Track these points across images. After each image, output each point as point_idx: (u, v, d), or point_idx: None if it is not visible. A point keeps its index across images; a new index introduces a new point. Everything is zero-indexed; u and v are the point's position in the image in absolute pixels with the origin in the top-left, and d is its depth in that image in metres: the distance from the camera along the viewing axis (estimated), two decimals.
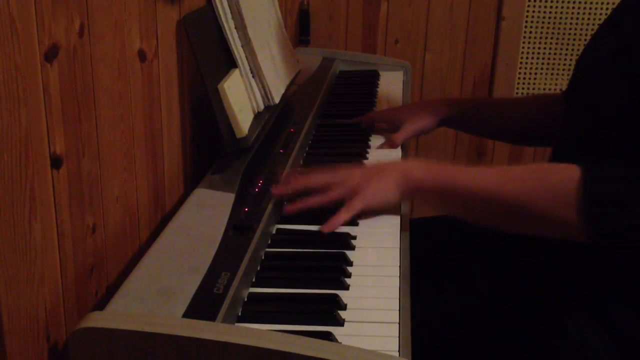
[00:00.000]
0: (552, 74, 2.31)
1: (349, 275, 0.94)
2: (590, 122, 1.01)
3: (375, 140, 1.41)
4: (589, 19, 2.23)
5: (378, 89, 1.78)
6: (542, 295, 1.04)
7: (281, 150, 1.27)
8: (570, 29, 2.25)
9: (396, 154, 1.34)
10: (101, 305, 0.91)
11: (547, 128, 1.26)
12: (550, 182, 0.92)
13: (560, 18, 2.24)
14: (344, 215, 1.02)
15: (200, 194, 1.08)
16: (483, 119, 1.40)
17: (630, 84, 0.92)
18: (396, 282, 0.92)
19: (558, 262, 1.03)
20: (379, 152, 1.35)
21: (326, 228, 1.01)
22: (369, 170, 1.07)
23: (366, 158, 1.32)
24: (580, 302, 0.99)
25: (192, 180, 1.30)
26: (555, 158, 1.14)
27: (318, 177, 1.08)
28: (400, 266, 0.96)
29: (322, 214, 1.07)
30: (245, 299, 0.89)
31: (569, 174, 0.90)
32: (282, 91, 1.43)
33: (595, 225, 0.88)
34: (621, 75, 0.95)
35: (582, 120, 1.04)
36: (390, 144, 1.37)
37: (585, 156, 1.01)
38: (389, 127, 1.44)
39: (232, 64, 1.27)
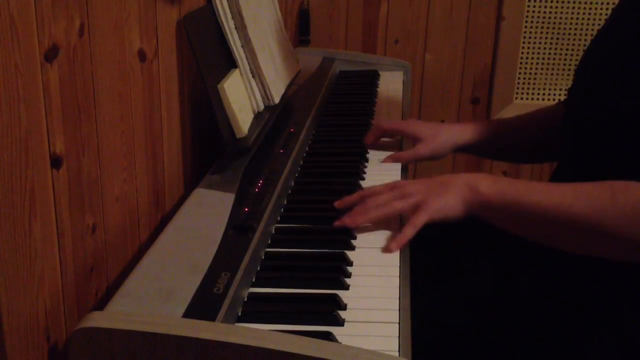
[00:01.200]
0: (552, 74, 2.31)
1: (349, 275, 0.94)
2: (592, 130, 1.01)
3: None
4: (589, 19, 2.23)
5: (378, 89, 1.78)
6: (545, 298, 1.03)
7: (281, 150, 1.27)
8: (570, 29, 2.25)
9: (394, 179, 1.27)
10: (101, 305, 0.91)
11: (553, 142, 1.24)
12: (623, 200, 0.89)
13: (560, 18, 2.24)
14: (409, 231, 0.99)
15: (200, 194, 1.08)
16: (501, 141, 1.33)
17: (632, 89, 0.92)
18: (396, 282, 0.92)
19: (565, 269, 1.02)
20: (378, 153, 1.34)
21: (393, 247, 0.98)
22: (433, 183, 1.03)
23: (366, 159, 1.32)
24: (590, 311, 0.99)
25: (192, 180, 1.30)
26: (559, 170, 1.14)
27: (380, 190, 1.05)
28: (400, 266, 0.96)
29: (322, 215, 1.07)
30: (245, 299, 0.89)
31: (638, 192, 0.88)
32: (282, 91, 1.43)
33: None
34: (624, 80, 0.95)
35: (584, 128, 1.03)
36: (397, 159, 1.31)
37: (586, 167, 1.01)
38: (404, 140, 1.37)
39: (232, 64, 1.27)
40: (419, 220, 0.99)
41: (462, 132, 1.30)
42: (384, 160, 1.30)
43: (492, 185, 0.98)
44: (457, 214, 1.00)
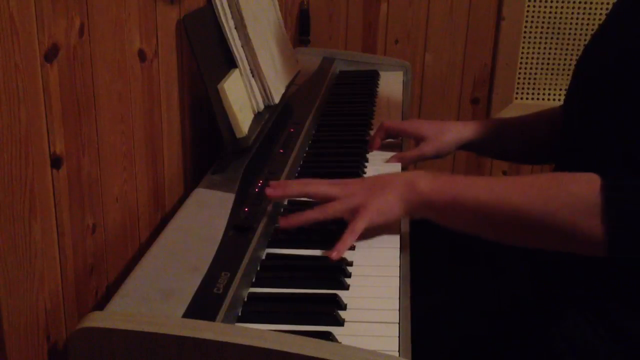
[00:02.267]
0: (552, 74, 2.31)
1: (349, 275, 0.94)
2: (588, 132, 1.01)
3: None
4: (589, 19, 2.23)
5: (378, 89, 1.78)
6: (542, 295, 1.03)
7: (281, 150, 1.27)
8: (570, 29, 2.25)
9: (394, 166, 1.29)
10: (101, 305, 0.91)
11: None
12: (569, 191, 0.87)
13: (560, 18, 2.24)
14: (349, 238, 0.95)
15: (200, 194, 1.08)
16: (504, 140, 1.31)
17: (629, 92, 0.92)
18: (396, 282, 0.92)
19: (558, 262, 1.03)
20: (379, 153, 1.34)
21: (334, 255, 0.94)
22: (370, 184, 1.00)
23: (366, 159, 1.32)
24: (580, 301, 0.99)
25: (192, 180, 1.30)
26: (557, 169, 1.14)
27: (316, 188, 1.02)
28: (400, 266, 0.96)
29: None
30: (245, 299, 0.89)
31: (589, 183, 0.86)
32: (282, 91, 1.44)
33: (617, 238, 0.84)
34: (620, 83, 0.95)
35: (580, 129, 1.03)
36: (401, 159, 1.29)
37: (586, 166, 1.00)
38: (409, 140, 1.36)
39: (232, 64, 1.27)
40: (358, 226, 0.96)
41: (465, 130, 1.29)
42: (389, 160, 1.30)
43: (432, 182, 0.96)
44: (398, 215, 0.98)
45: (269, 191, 1.03)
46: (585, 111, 1.03)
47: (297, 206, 1.15)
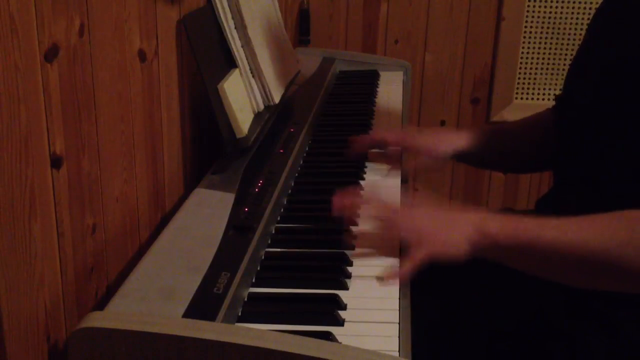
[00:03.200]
0: (552, 74, 2.31)
1: (349, 275, 0.94)
2: (585, 138, 1.01)
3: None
4: (589, 19, 2.22)
5: (378, 89, 1.78)
6: (544, 298, 1.03)
7: (281, 150, 1.27)
8: (570, 29, 2.25)
9: (395, 181, 1.26)
10: (101, 305, 0.91)
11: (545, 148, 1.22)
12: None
13: (560, 18, 2.24)
14: (409, 266, 0.92)
15: (200, 194, 1.08)
16: (498, 148, 1.29)
17: (624, 95, 0.92)
18: (396, 282, 0.92)
19: None
20: (378, 164, 1.33)
21: (390, 277, 0.93)
22: (440, 217, 0.98)
23: (366, 158, 1.32)
24: (582, 307, 0.99)
25: (192, 180, 1.30)
26: (556, 176, 1.13)
27: (387, 211, 1.01)
28: (400, 266, 0.95)
29: (322, 215, 1.07)
30: (245, 299, 0.89)
31: None
32: (282, 91, 1.43)
33: None
34: (620, 95, 0.94)
35: (576, 133, 1.03)
36: (398, 165, 1.28)
37: (584, 173, 1.00)
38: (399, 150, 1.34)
39: (232, 64, 1.27)
40: (419, 256, 0.93)
41: (459, 140, 1.28)
42: (388, 162, 1.29)
43: (502, 225, 0.92)
44: (461, 255, 0.93)
45: (336, 208, 1.02)
46: (581, 118, 1.03)
47: (298, 204, 1.15)
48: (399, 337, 0.81)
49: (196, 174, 1.32)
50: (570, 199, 1.05)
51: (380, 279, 0.93)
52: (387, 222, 0.99)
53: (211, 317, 0.77)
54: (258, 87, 1.33)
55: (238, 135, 1.20)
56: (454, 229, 0.94)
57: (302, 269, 0.96)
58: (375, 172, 1.27)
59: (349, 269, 0.95)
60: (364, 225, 1.01)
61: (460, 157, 1.29)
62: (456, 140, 1.28)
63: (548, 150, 1.16)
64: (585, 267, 0.89)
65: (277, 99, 1.38)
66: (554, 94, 1.34)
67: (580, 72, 1.09)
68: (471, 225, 0.93)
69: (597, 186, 0.97)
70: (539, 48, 2.28)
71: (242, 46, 1.30)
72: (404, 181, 1.25)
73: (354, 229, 1.03)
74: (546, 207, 1.15)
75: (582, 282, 0.92)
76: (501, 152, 1.30)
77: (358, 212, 1.06)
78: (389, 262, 0.96)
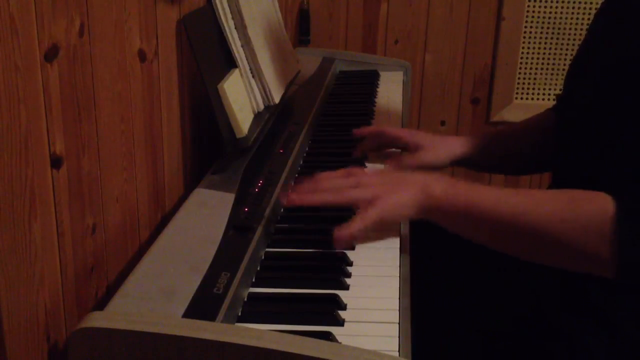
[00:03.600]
0: (552, 74, 2.31)
1: (349, 275, 0.94)
2: (583, 135, 1.01)
3: None
4: (589, 19, 2.22)
5: (378, 89, 1.78)
6: (543, 298, 1.03)
7: (281, 150, 1.27)
8: (570, 29, 2.25)
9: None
10: (101, 305, 0.91)
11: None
12: (582, 211, 0.86)
13: (560, 18, 2.24)
14: (358, 224, 0.95)
15: (200, 194, 1.08)
16: (497, 154, 1.29)
17: (624, 97, 0.92)
18: (396, 282, 0.92)
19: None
20: (378, 165, 1.32)
21: (338, 234, 0.95)
22: (389, 179, 1.01)
23: (366, 157, 1.32)
24: (581, 306, 0.99)
25: (192, 180, 1.30)
26: (555, 177, 1.13)
27: (333, 176, 1.03)
28: (400, 266, 0.96)
29: (322, 215, 1.07)
30: (245, 299, 0.89)
31: (602, 205, 0.85)
32: (282, 91, 1.44)
33: (628, 263, 0.84)
34: (622, 96, 0.94)
35: (575, 134, 1.03)
36: (398, 164, 1.28)
37: (584, 173, 1.00)
38: (396, 147, 1.34)
39: (232, 64, 1.27)
40: (370, 215, 0.95)
41: (458, 146, 1.28)
42: (386, 163, 1.28)
43: (447, 187, 0.95)
44: (408, 215, 0.98)
45: (295, 198, 1.01)
46: (581, 118, 1.03)
47: (295, 212, 1.15)
48: (399, 337, 0.81)
49: (196, 174, 1.32)
50: None
51: (335, 236, 0.95)
52: (340, 185, 1.00)
53: (211, 317, 0.77)
54: (258, 87, 1.33)
55: (238, 135, 1.20)
56: (403, 190, 0.97)
57: (302, 269, 0.96)
58: (375, 168, 1.27)
59: (349, 269, 0.95)
60: (361, 249, 1.01)
61: (460, 162, 1.29)
62: (455, 146, 1.28)
63: (548, 151, 1.16)
64: (521, 239, 0.91)
65: (277, 99, 1.38)
66: (554, 94, 1.33)
67: (581, 72, 1.09)
68: (419, 187, 0.96)
69: (596, 186, 0.97)
70: (539, 48, 2.28)
71: (242, 46, 1.30)
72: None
73: (351, 252, 1.00)
74: None
75: (520, 253, 0.93)
76: (501, 156, 1.30)
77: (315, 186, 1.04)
78: (389, 262, 0.96)
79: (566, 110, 1.10)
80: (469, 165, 1.33)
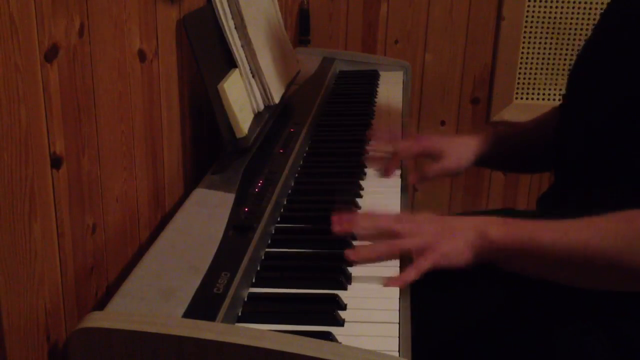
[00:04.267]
0: (552, 74, 2.31)
1: (349, 276, 0.94)
2: (586, 135, 1.01)
3: (375, 140, 1.41)
4: (589, 19, 2.23)
5: (378, 89, 1.78)
6: (542, 298, 1.03)
7: (281, 150, 1.27)
8: (570, 29, 2.25)
9: (395, 181, 1.25)
10: (101, 305, 0.91)
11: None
12: None
13: (560, 18, 2.24)
14: (413, 273, 0.92)
15: (200, 194, 1.08)
16: (514, 152, 1.28)
17: (625, 95, 0.92)
18: (397, 287, 0.92)
19: None
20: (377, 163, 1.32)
21: (392, 284, 0.92)
22: (442, 225, 0.97)
23: (365, 158, 1.32)
24: (580, 307, 0.99)
25: (192, 180, 1.30)
26: (557, 174, 1.13)
27: (387, 223, 0.99)
28: (400, 266, 0.96)
29: (322, 215, 1.07)
30: (245, 299, 0.89)
31: None
32: (282, 91, 1.44)
33: None
34: (616, 88, 0.94)
35: (578, 133, 1.03)
36: (420, 178, 1.26)
37: (583, 170, 1.00)
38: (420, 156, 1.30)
39: (232, 64, 1.27)
40: (424, 265, 0.93)
41: (479, 145, 1.27)
42: (411, 181, 1.26)
43: (502, 228, 0.93)
44: (464, 261, 0.94)
45: (336, 227, 0.99)
46: (583, 115, 1.03)
47: (298, 204, 1.15)
48: (399, 337, 0.81)
49: (196, 174, 1.32)
50: (571, 196, 1.05)
51: (385, 282, 0.92)
52: (390, 233, 0.97)
53: (211, 317, 0.77)
54: (258, 87, 1.33)
55: (238, 135, 1.20)
56: (456, 236, 0.95)
57: (302, 269, 0.96)
58: (375, 173, 1.27)
59: (349, 269, 0.95)
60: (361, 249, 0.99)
61: (481, 162, 1.28)
62: (474, 145, 1.27)
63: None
64: (586, 269, 0.89)
65: (277, 99, 1.38)
66: (558, 94, 1.34)
67: (585, 71, 1.08)
68: (473, 231, 0.94)
69: (598, 183, 0.97)
70: (539, 48, 2.28)
71: (242, 46, 1.30)
72: (403, 180, 1.25)
73: (354, 243, 1.01)
74: (547, 204, 1.15)
75: (584, 283, 0.92)
76: (515, 155, 1.30)
77: (358, 226, 1.02)
78: (389, 262, 0.96)
79: (568, 108, 1.10)
80: (484, 165, 1.32)
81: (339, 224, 1.00)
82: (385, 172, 1.27)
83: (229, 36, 1.27)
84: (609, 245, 0.86)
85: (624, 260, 0.86)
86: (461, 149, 1.26)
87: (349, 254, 0.96)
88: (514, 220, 0.94)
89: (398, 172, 1.27)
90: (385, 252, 0.96)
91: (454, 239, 0.94)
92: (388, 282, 0.92)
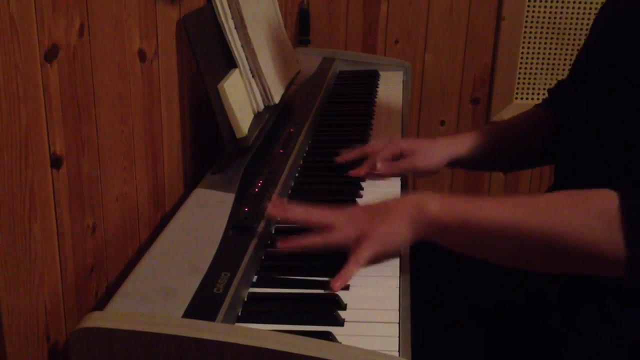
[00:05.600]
0: (552, 73, 2.31)
1: None
2: (588, 128, 1.01)
3: (375, 140, 1.41)
4: (589, 19, 2.22)
5: (378, 89, 1.78)
6: (543, 296, 1.03)
7: (281, 150, 1.27)
8: (570, 29, 2.25)
9: (395, 182, 1.24)
10: (101, 305, 0.91)
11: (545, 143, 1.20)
12: (585, 209, 0.83)
13: (560, 18, 2.24)
14: (352, 267, 0.90)
15: (200, 194, 1.08)
16: (494, 151, 1.25)
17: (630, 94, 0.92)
18: (396, 282, 0.92)
19: None
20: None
21: (336, 285, 0.89)
22: (375, 211, 0.94)
23: (366, 158, 1.31)
24: (581, 304, 0.99)
25: (192, 180, 1.30)
26: (558, 171, 1.13)
27: (319, 216, 0.95)
28: (400, 266, 0.96)
29: None
30: (245, 299, 0.89)
31: (605, 200, 0.82)
32: (282, 91, 1.43)
33: (637, 257, 0.81)
34: (621, 81, 0.94)
35: (579, 128, 1.03)
36: (393, 167, 1.22)
37: (589, 168, 1.00)
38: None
39: (232, 64, 1.27)
40: (362, 255, 0.90)
41: (454, 145, 1.25)
42: (379, 168, 1.23)
43: (441, 203, 0.90)
44: (406, 241, 0.92)
45: (270, 209, 1.01)
46: (586, 110, 1.03)
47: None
48: (399, 337, 0.81)
49: (196, 174, 1.32)
50: None
51: (330, 286, 0.89)
52: (324, 228, 0.94)
53: (211, 317, 0.77)
54: (258, 87, 1.33)
55: (238, 135, 1.20)
56: (393, 217, 0.92)
57: (302, 269, 0.96)
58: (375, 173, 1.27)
59: None
60: None
61: (456, 163, 1.26)
62: (452, 145, 1.25)
63: (543, 144, 1.16)
64: (527, 247, 0.87)
65: (277, 99, 1.38)
66: (547, 90, 1.33)
67: (586, 66, 1.08)
68: (411, 207, 0.91)
69: (600, 181, 0.97)
70: (539, 48, 2.28)
71: (242, 46, 1.30)
72: (403, 180, 1.25)
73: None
74: None
75: (527, 263, 0.90)
76: (497, 153, 1.27)
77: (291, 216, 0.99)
78: (390, 262, 0.96)
79: (572, 103, 1.10)
80: (465, 165, 1.30)
81: (274, 208, 1.00)
82: (358, 172, 1.23)
83: (229, 36, 1.27)
84: (549, 223, 0.84)
85: (562, 239, 0.83)
86: (433, 151, 1.23)
87: (281, 243, 0.95)
88: (453, 196, 0.92)
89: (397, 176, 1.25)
90: (319, 243, 0.93)
91: (390, 219, 0.91)
92: (333, 284, 0.89)
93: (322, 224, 0.94)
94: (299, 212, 0.98)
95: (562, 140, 1.10)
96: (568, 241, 0.83)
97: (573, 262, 0.86)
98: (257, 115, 1.31)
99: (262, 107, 1.33)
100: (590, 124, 1.00)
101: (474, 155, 1.25)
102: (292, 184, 1.22)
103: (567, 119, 1.09)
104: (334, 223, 0.94)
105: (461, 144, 1.25)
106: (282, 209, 0.99)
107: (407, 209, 0.91)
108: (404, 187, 1.22)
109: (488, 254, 0.91)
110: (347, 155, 1.27)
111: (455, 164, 1.26)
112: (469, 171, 2.38)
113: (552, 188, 1.16)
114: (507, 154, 1.28)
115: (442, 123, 2.35)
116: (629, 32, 0.97)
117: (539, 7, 2.23)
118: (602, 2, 1.13)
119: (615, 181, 0.88)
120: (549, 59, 2.29)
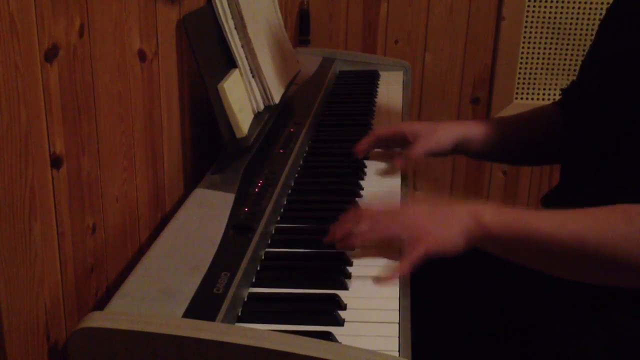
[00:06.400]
0: (552, 73, 2.31)
1: (349, 276, 0.94)
2: (595, 133, 1.00)
3: None
4: (589, 19, 2.23)
5: (378, 89, 1.78)
6: (542, 298, 1.03)
7: (281, 150, 1.27)
8: (570, 29, 2.25)
9: (395, 181, 1.25)
10: (101, 305, 0.91)
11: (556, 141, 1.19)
12: (639, 225, 0.84)
13: (560, 18, 2.24)
14: (406, 264, 0.92)
15: (200, 194, 1.08)
16: (500, 141, 1.25)
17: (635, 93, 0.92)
18: (396, 282, 0.92)
19: None
20: (378, 164, 1.33)
21: (388, 278, 0.92)
22: (434, 212, 0.96)
23: (367, 157, 1.32)
24: (580, 306, 0.99)
25: (192, 180, 1.30)
26: (564, 169, 1.13)
27: (379, 213, 0.98)
28: (398, 265, 0.95)
29: (322, 215, 1.07)
30: (245, 299, 0.89)
31: None
32: (282, 91, 1.43)
33: None
34: (629, 81, 0.94)
35: (588, 129, 1.03)
36: (404, 161, 1.25)
37: (591, 166, 1.00)
38: (398, 144, 1.30)
39: (232, 64, 1.27)
40: (416, 253, 0.92)
41: (459, 128, 1.25)
42: (395, 163, 1.26)
43: (497, 215, 0.91)
44: (458, 250, 0.93)
45: (340, 244, 0.99)
46: (593, 110, 1.02)
47: (298, 204, 1.15)
48: (399, 337, 0.81)
49: (196, 174, 1.31)
50: (578, 195, 1.05)
51: (378, 279, 0.92)
52: (383, 223, 0.97)
53: (211, 317, 0.77)
54: (258, 87, 1.33)
55: (238, 135, 1.20)
56: (449, 223, 0.93)
57: (302, 269, 0.96)
58: (375, 171, 1.27)
59: (349, 269, 0.95)
60: (361, 249, 0.99)
61: (462, 148, 1.26)
62: (455, 128, 1.25)
63: (553, 143, 1.15)
64: (581, 261, 0.88)
65: (277, 99, 1.38)
66: (559, 94, 1.32)
67: (594, 65, 1.08)
68: (466, 217, 0.92)
69: (607, 182, 0.97)
70: (539, 48, 2.28)
71: (242, 46, 1.30)
72: (403, 179, 1.25)
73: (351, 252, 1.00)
74: (553, 203, 1.15)
75: (579, 276, 0.91)
76: (505, 144, 1.27)
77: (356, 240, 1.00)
78: (389, 262, 0.96)
79: (578, 103, 1.10)
80: (470, 153, 1.29)
81: (338, 235, 0.99)
82: (358, 147, 1.28)
83: (229, 36, 1.27)
84: (605, 238, 0.85)
85: (618, 254, 0.84)
86: (438, 132, 1.24)
87: (338, 244, 0.96)
88: (510, 208, 0.93)
89: (397, 173, 1.26)
90: (374, 238, 0.96)
91: (447, 226, 0.93)
92: (384, 276, 0.91)
93: (383, 222, 0.97)
94: (359, 215, 0.99)
95: (570, 140, 1.10)
96: (619, 259, 0.84)
97: (625, 279, 0.88)
98: (257, 115, 1.31)
99: (262, 107, 1.33)
100: (598, 126, 1.00)
101: (484, 141, 1.24)
102: (292, 184, 1.22)
103: (575, 119, 1.09)
104: (394, 221, 0.96)
105: (470, 128, 1.25)
106: (347, 238, 0.99)
107: (464, 218, 0.92)
108: (403, 188, 1.22)
109: (540, 266, 0.93)
110: (361, 147, 1.30)
111: (462, 149, 1.26)
112: (469, 170, 2.38)
113: (558, 188, 1.16)
114: (514, 146, 1.27)
115: None
116: (636, 33, 0.96)
117: (539, 7, 2.23)
118: (602, 2, 1.13)
119: (623, 185, 0.88)
120: (549, 59, 2.29)
